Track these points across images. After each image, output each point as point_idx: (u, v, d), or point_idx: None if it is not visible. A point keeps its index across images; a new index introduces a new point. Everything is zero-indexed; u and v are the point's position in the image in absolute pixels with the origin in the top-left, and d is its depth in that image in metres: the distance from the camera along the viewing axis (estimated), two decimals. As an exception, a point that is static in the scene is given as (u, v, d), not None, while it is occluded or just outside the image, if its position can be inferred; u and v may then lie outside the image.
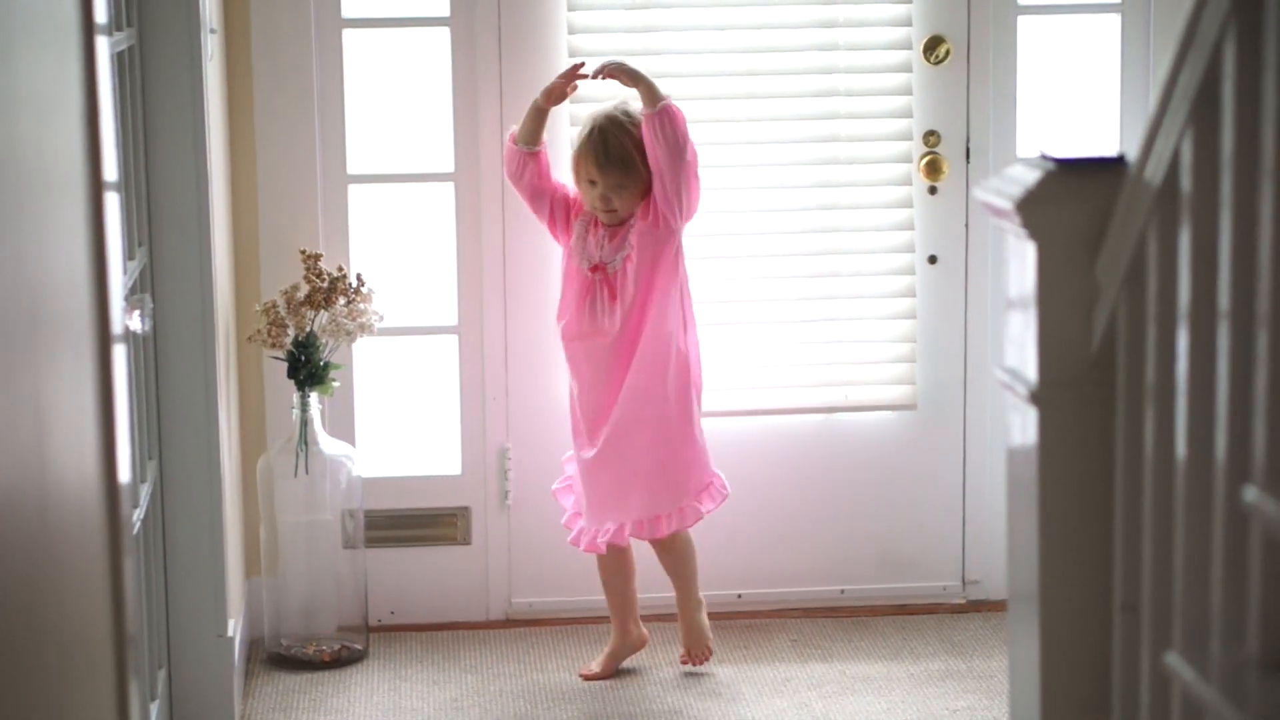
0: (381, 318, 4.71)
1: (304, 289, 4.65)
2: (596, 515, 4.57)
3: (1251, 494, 2.27)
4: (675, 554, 4.63)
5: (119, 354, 2.92)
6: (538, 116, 4.52)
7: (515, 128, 4.55)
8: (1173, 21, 4.78)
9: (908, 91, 4.94)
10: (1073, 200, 2.90)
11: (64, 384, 2.48)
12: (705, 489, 4.59)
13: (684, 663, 4.64)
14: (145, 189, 3.98)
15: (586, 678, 4.63)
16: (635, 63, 4.86)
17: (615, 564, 4.63)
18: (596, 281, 4.49)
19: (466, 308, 4.95)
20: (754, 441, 5.01)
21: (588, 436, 4.56)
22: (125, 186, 3.73)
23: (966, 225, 4.99)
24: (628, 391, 4.51)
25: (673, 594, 4.69)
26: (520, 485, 5.00)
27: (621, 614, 4.67)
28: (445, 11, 4.88)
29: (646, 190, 4.46)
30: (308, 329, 4.64)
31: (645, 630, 4.70)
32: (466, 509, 5.02)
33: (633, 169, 4.44)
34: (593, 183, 4.46)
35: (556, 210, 4.56)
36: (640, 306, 4.49)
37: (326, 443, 4.73)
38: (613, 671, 4.65)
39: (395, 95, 5.03)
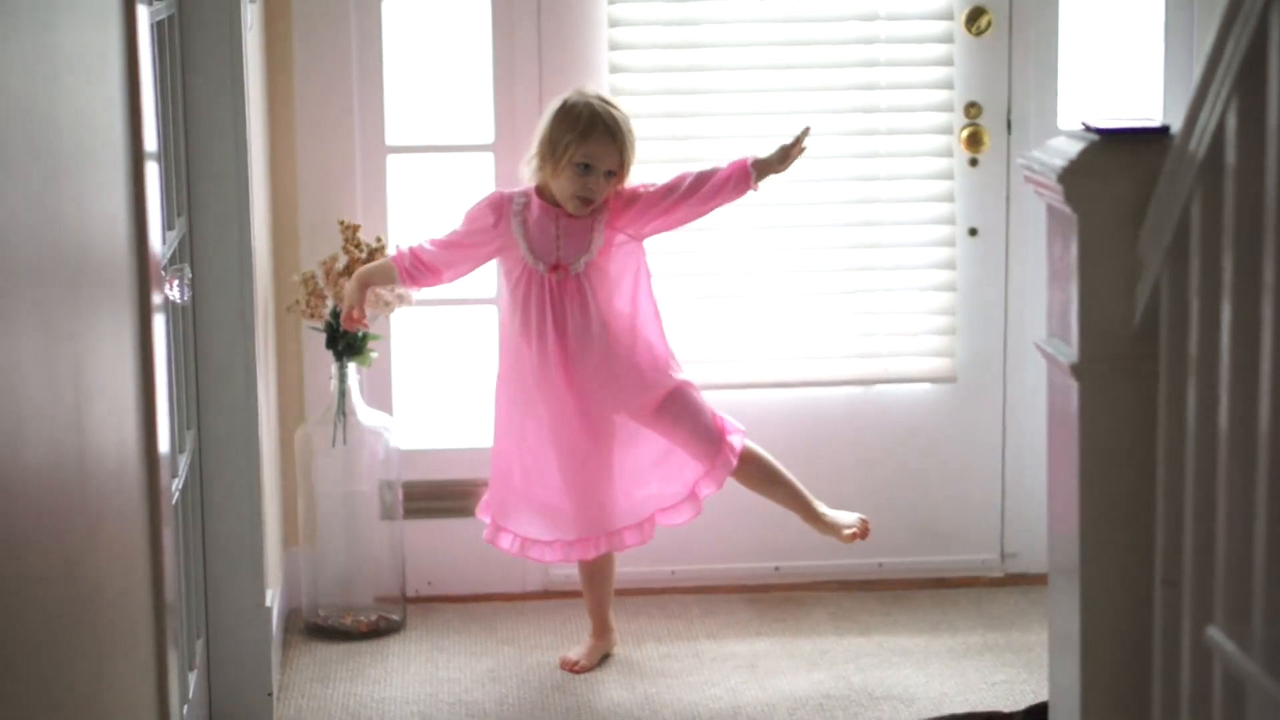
0: (420, 289, 4.71)
1: (343, 260, 4.65)
2: (611, 518, 4.47)
3: (1295, 468, 2.26)
4: (759, 468, 4.48)
5: (159, 323, 2.92)
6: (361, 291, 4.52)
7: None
8: (1216, -8, 4.75)
9: (949, 63, 4.92)
10: (1115, 172, 2.88)
11: (104, 354, 2.48)
12: (722, 424, 4.50)
13: (853, 540, 4.45)
14: (185, 159, 3.98)
15: (575, 669, 4.53)
16: (675, 33, 4.86)
17: (602, 560, 4.59)
18: (554, 282, 4.39)
19: (505, 279, 4.95)
20: (793, 414, 5.00)
21: (568, 450, 4.45)
22: (164, 156, 3.73)
23: (1007, 197, 4.97)
24: (617, 386, 4.42)
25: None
26: (558, 457, 4.99)
27: (605, 611, 4.62)
28: (484, -19, 4.87)
29: (617, 183, 4.38)
30: (346, 300, 4.64)
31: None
32: (504, 480, 5.01)
33: (631, 152, 4.38)
34: (586, 167, 4.33)
35: (482, 247, 4.46)
36: (613, 309, 4.41)
37: (364, 413, 4.74)
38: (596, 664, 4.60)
39: (434, 65, 5.02)
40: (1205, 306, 2.69)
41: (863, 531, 4.46)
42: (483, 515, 4.59)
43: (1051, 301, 3.09)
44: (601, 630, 4.60)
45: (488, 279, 4.96)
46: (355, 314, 4.49)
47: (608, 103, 4.39)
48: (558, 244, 4.39)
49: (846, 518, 4.49)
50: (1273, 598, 2.44)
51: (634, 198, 4.41)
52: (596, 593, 4.60)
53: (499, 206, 4.43)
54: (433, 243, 4.45)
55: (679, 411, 4.43)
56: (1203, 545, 2.72)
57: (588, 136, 4.33)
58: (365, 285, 4.50)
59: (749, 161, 4.38)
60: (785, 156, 4.40)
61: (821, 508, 4.50)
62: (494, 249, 4.44)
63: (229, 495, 4.12)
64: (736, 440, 4.44)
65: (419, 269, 4.43)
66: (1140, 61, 5.02)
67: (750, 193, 4.41)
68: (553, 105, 4.41)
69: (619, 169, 4.36)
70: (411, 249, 4.44)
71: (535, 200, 4.42)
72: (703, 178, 4.39)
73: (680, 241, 4.90)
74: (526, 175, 4.45)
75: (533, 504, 4.51)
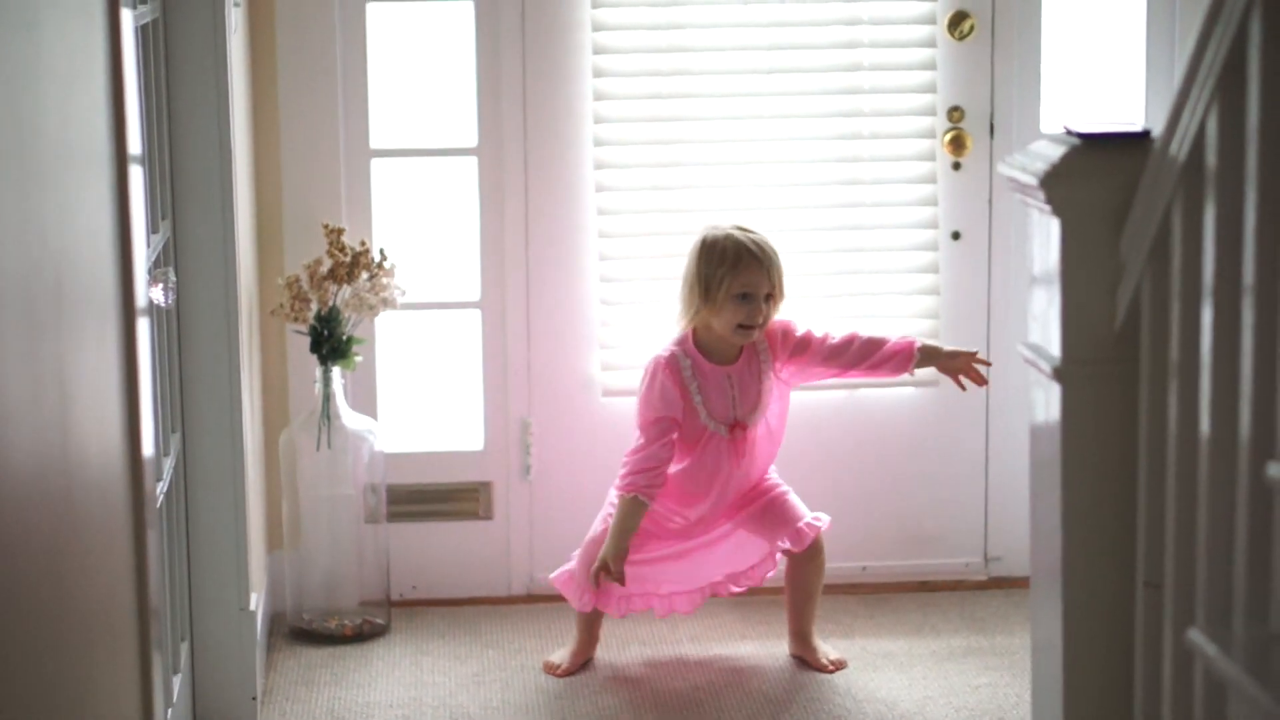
0: (404, 292, 4.72)
1: (327, 263, 4.65)
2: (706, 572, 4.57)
3: (1275, 469, 2.27)
4: (819, 572, 4.57)
5: (142, 327, 2.92)
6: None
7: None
8: (1198, -3, 4.76)
9: (932, 67, 4.93)
10: (1097, 175, 2.89)
11: (88, 357, 2.48)
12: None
13: (832, 670, 4.54)
14: (169, 162, 3.98)
15: (558, 673, 4.53)
16: (658, 37, 4.86)
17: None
18: (730, 442, 4.44)
19: (489, 282, 4.95)
20: (776, 417, 5.00)
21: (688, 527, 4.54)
22: (149, 160, 3.73)
23: (990, 201, 4.98)
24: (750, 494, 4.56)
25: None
26: (542, 460, 5.00)
27: (596, 625, 4.61)
28: (468, -14, 4.87)
29: (777, 305, 4.41)
30: (330, 303, 4.64)
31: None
32: (488, 484, 5.02)
33: (781, 271, 4.40)
34: (745, 296, 4.35)
35: (677, 430, 4.44)
36: (767, 451, 4.52)
37: (349, 417, 4.73)
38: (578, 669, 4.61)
39: (418, 69, 5.02)
40: (1186, 309, 2.69)
41: (839, 665, 4.55)
42: (588, 602, 4.53)
43: (1034, 305, 3.09)
44: (587, 638, 4.60)
45: (471, 281, 4.96)
46: (616, 570, 4.36)
47: (746, 230, 4.42)
48: (734, 403, 4.43)
49: (832, 652, 4.59)
50: (1253, 600, 2.45)
51: (804, 346, 4.46)
52: (593, 620, 4.61)
53: (673, 373, 4.42)
54: (644, 453, 4.39)
55: (768, 504, 4.54)
56: (1184, 548, 2.73)
57: (738, 266, 4.35)
58: (628, 539, 4.38)
59: (916, 345, 4.43)
60: (954, 357, 4.44)
61: (816, 640, 4.59)
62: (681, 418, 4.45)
63: (213, 499, 4.12)
64: (818, 521, 4.53)
65: (654, 484, 4.39)
66: (1122, 65, 5.03)
67: (906, 375, 4.49)
68: (693, 248, 4.42)
69: (775, 291, 4.39)
70: (636, 473, 4.37)
71: (699, 359, 4.42)
72: (870, 346, 4.44)
73: (666, 245, 4.91)
74: (682, 324, 4.45)
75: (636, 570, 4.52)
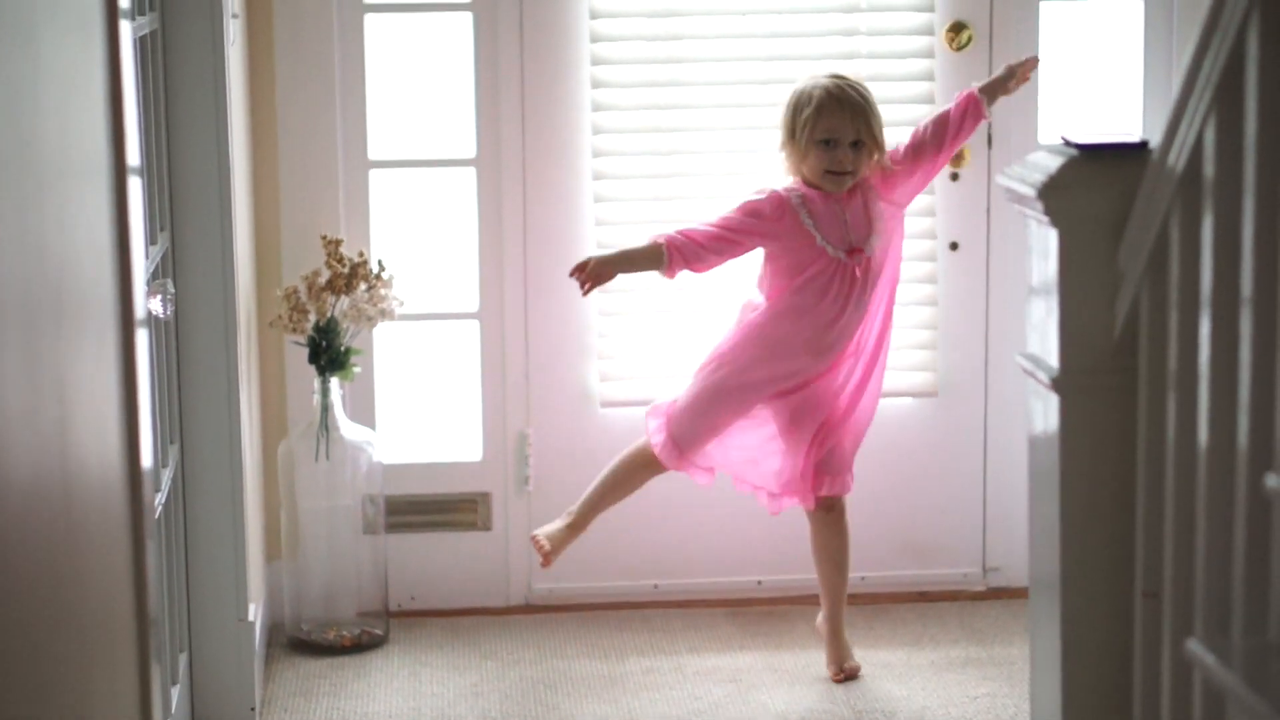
0: (402, 303, 4.72)
1: (325, 274, 4.65)
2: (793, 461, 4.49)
3: (1273, 480, 2.27)
4: (843, 538, 4.54)
5: (141, 338, 2.92)
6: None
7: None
8: (1196, 5, 4.77)
9: (930, 77, 4.93)
10: (1095, 187, 2.90)
11: (86, 368, 2.48)
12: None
13: (839, 680, 4.53)
14: (167, 174, 3.98)
15: (540, 549, 4.50)
16: (657, 48, 4.87)
17: (651, 474, 4.56)
18: (850, 267, 4.40)
19: (488, 293, 4.95)
20: (774, 428, 5.00)
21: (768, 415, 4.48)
22: (147, 171, 3.73)
23: (988, 211, 4.98)
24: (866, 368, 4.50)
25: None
26: (540, 471, 5.00)
27: (595, 513, 4.56)
28: (467, -3, 4.88)
29: (870, 154, 4.39)
30: (329, 314, 4.65)
31: None
32: (487, 494, 5.02)
33: (872, 120, 4.38)
34: (828, 142, 4.35)
35: (757, 237, 4.41)
36: (883, 288, 4.46)
37: (347, 428, 4.74)
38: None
39: (417, 80, 5.03)
40: (1184, 320, 2.70)
41: (849, 675, 4.53)
42: (675, 464, 4.50)
43: (1032, 315, 3.10)
44: (582, 523, 4.55)
45: (470, 292, 4.96)
46: (589, 287, 4.38)
47: (839, 77, 4.42)
48: (847, 229, 4.40)
49: (853, 658, 4.56)
50: (1252, 610, 2.45)
51: (890, 165, 4.45)
52: (609, 495, 4.57)
53: (779, 203, 4.40)
54: (703, 228, 4.39)
55: (838, 445, 4.51)
56: (1182, 558, 2.73)
57: (821, 112, 4.35)
58: (624, 268, 4.41)
59: (975, 89, 4.43)
60: (1011, 75, 4.45)
61: (845, 634, 4.57)
62: (767, 241, 4.39)
63: (212, 510, 4.12)
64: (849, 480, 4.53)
65: (692, 251, 4.36)
66: (1120, 76, 5.03)
67: (984, 121, 4.47)
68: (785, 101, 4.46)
69: (864, 138, 4.37)
70: (682, 233, 4.37)
71: (808, 190, 4.41)
72: (939, 122, 4.43)
73: (662, 256, 4.91)
74: (786, 172, 4.46)
75: (730, 453, 4.52)
